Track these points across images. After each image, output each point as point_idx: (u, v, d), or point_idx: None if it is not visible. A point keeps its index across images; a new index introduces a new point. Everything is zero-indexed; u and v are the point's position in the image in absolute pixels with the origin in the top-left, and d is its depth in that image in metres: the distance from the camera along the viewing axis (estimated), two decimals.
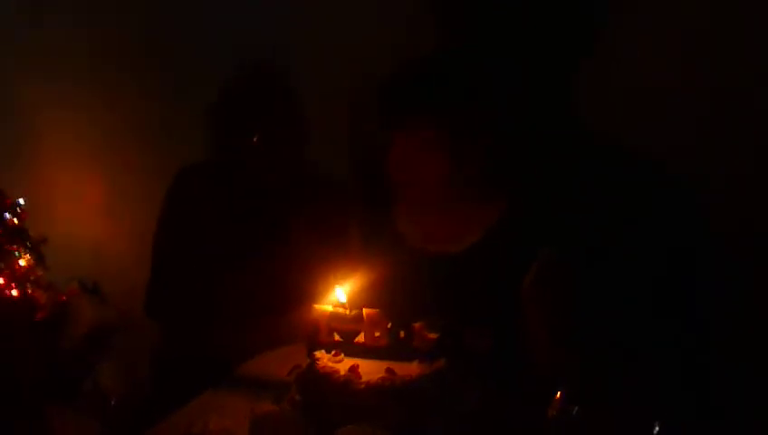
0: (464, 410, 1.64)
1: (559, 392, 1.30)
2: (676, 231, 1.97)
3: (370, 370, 1.64)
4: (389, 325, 1.72)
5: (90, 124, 2.83)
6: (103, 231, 2.89)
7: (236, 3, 2.64)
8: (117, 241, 2.87)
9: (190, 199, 2.35)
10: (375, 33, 2.44)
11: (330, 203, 2.34)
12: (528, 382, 1.79)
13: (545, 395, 1.65)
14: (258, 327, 2.19)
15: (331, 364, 1.66)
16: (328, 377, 1.63)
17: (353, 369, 1.63)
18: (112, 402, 2.22)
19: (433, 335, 1.71)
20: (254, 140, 2.25)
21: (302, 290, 2.02)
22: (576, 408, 1.23)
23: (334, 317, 1.75)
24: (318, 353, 1.70)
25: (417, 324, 1.71)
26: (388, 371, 1.63)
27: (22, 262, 2.26)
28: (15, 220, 2.27)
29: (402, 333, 1.72)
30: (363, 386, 1.60)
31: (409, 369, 1.64)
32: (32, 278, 2.27)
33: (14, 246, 2.27)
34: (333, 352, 1.70)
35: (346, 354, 1.70)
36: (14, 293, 2.22)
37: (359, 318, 1.73)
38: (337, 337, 1.74)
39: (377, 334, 1.71)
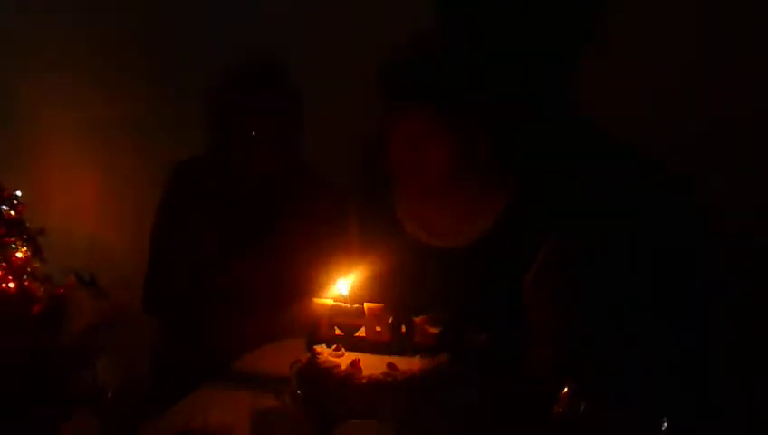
0: (463, 404, 1.64)
1: (566, 389, 1.29)
2: (678, 226, 1.97)
3: (372, 364, 1.64)
4: (391, 320, 1.71)
5: (87, 118, 2.81)
6: (100, 224, 2.88)
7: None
8: (114, 234, 2.86)
9: (188, 193, 2.34)
10: (375, 25, 2.43)
11: (329, 196, 2.33)
12: (527, 377, 1.79)
13: (544, 390, 1.66)
14: (257, 322, 2.18)
15: (331, 359, 1.66)
16: (329, 372, 1.62)
17: (354, 364, 1.63)
18: (109, 395, 2.21)
19: (434, 330, 1.70)
20: (252, 133, 2.24)
21: (302, 284, 2.01)
22: (583, 404, 1.22)
23: (335, 311, 1.74)
24: (318, 348, 1.69)
25: (418, 319, 1.71)
26: (390, 365, 1.62)
27: (19, 254, 2.25)
28: (13, 212, 2.26)
29: (404, 328, 1.71)
30: (365, 381, 1.59)
31: (411, 364, 1.64)
32: (29, 270, 2.26)
33: (12, 239, 2.25)
34: (334, 347, 1.69)
35: (347, 349, 1.69)
36: (11, 285, 2.20)
37: (360, 312, 1.72)
38: (338, 331, 1.73)
39: (378, 329, 1.71)
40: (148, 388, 2.26)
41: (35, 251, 2.28)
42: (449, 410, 1.61)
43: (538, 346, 1.86)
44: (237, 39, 2.42)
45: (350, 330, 1.73)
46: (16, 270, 2.23)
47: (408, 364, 1.63)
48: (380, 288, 1.82)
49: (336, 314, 1.74)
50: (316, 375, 1.64)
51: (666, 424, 1.14)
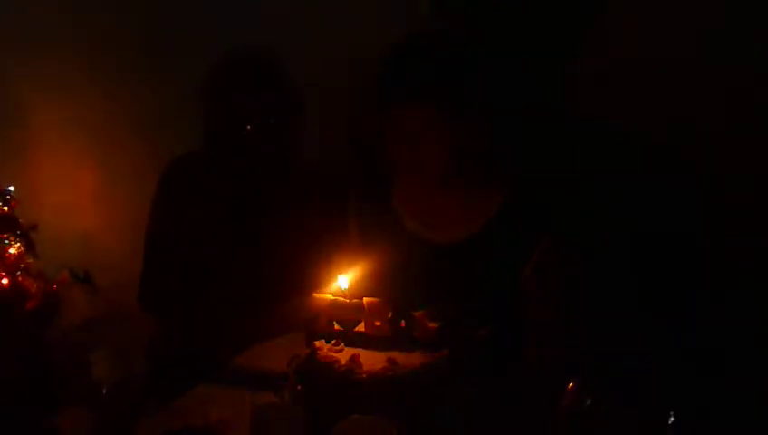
0: (464, 399, 1.63)
1: (571, 384, 1.28)
2: (678, 223, 1.97)
3: (372, 359, 1.63)
4: (390, 315, 1.70)
5: (81, 112, 2.79)
6: (94, 220, 2.86)
7: None
8: (108, 230, 2.84)
9: (183, 188, 2.32)
10: (373, 21, 2.43)
11: (327, 191, 2.31)
12: (526, 373, 1.79)
13: (543, 385, 1.66)
14: (256, 317, 2.17)
15: (331, 354, 1.64)
16: (329, 367, 1.61)
17: (354, 359, 1.62)
18: (104, 392, 2.20)
19: (434, 325, 1.70)
20: (248, 128, 2.22)
21: (300, 279, 2.01)
22: (589, 399, 1.22)
23: (334, 306, 1.73)
24: (317, 343, 1.68)
25: (418, 314, 1.70)
26: (390, 360, 1.61)
27: (12, 250, 2.23)
28: (5, 208, 2.24)
29: (403, 323, 1.70)
30: (365, 376, 1.58)
31: (411, 359, 1.63)
32: (22, 266, 2.24)
33: (4, 235, 2.23)
34: (333, 342, 1.68)
35: (346, 344, 1.68)
36: (5, 281, 2.19)
37: (359, 307, 1.71)
38: (337, 326, 1.72)
39: (377, 324, 1.70)
40: (145, 385, 2.25)
41: (28, 247, 2.26)
42: (450, 405, 1.61)
43: (537, 344, 1.86)
44: (237, 35, 2.40)
45: (349, 325, 1.72)
46: (9, 266, 2.21)
47: (408, 359, 1.62)
48: (379, 283, 1.82)
49: (335, 309, 1.73)
50: (316, 371, 1.62)
51: (672, 419, 1.13)
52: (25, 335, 2.14)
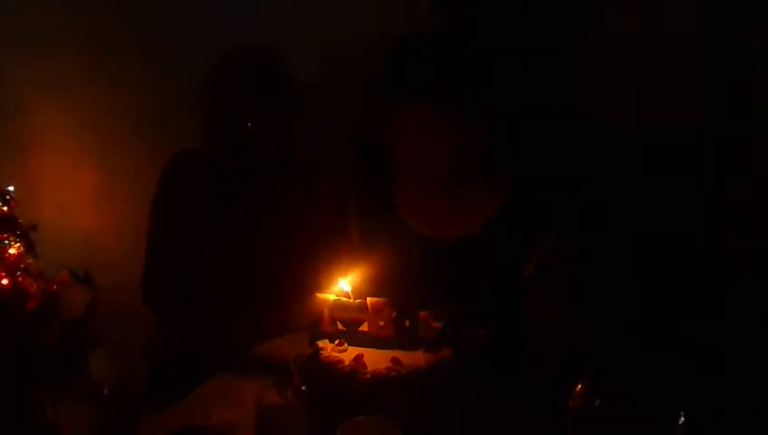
0: (467, 399, 1.63)
1: (580, 385, 1.28)
2: (677, 221, 1.97)
3: (375, 359, 1.63)
4: (394, 314, 1.70)
5: (81, 112, 2.78)
6: (94, 220, 2.85)
7: None
8: (108, 230, 2.83)
9: (183, 184, 2.32)
10: (373, 21, 2.43)
11: (327, 190, 2.31)
12: (529, 373, 1.79)
13: (545, 384, 1.66)
14: (256, 316, 2.17)
15: (335, 354, 1.65)
16: (332, 367, 1.61)
17: (358, 359, 1.62)
18: (105, 392, 2.19)
19: (438, 324, 1.70)
20: (248, 127, 2.22)
21: (300, 278, 2.01)
22: (598, 400, 1.22)
23: (337, 306, 1.73)
24: (321, 343, 1.68)
25: (422, 313, 1.70)
26: (394, 360, 1.62)
27: (12, 250, 2.22)
28: (5, 208, 2.23)
29: (407, 323, 1.70)
30: (369, 376, 1.58)
31: (415, 358, 1.63)
32: (22, 267, 2.23)
33: (4, 235, 2.22)
34: (337, 342, 1.69)
35: (350, 344, 1.68)
36: (5, 282, 2.18)
37: (362, 307, 1.71)
38: (340, 326, 1.72)
39: (381, 323, 1.70)
40: (145, 385, 2.25)
41: (28, 247, 2.25)
42: (453, 404, 1.61)
43: (537, 344, 1.86)
44: (237, 35, 2.39)
45: (352, 325, 1.72)
46: (9, 266, 2.20)
47: (412, 359, 1.63)
48: (381, 283, 1.82)
49: (338, 309, 1.73)
50: (319, 371, 1.62)
51: (683, 419, 1.13)
52: (25, 335, 2.13)
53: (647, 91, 2.18)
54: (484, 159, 1.99)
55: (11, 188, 2.24)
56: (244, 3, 2.60)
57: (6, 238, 2.22)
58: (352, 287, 1.75)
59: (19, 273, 2.20)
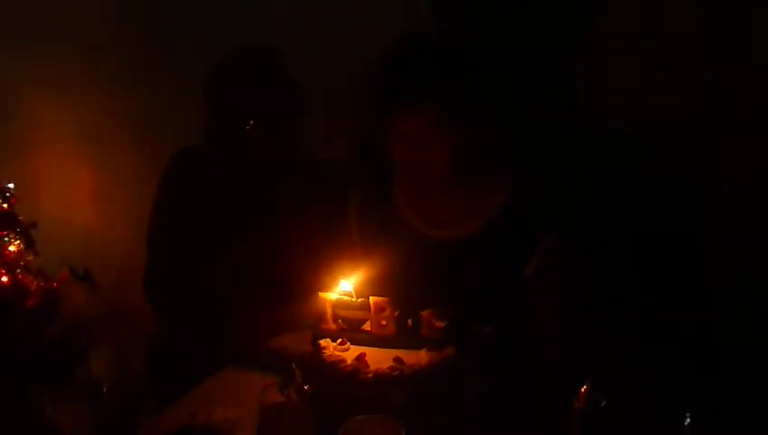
0: (470, 398, 1.63)
1: (586, 385, 1.28)
2: (677, 221, 1.98)
3: (378, 358, 1.63)
4: (397, 313, 1.70)
5: (81, 109, 2.78)
6: (94, 217, 2.85)
7: None
8: (108, 227, 2.83)
9: (185, 181, 2.32)
10: (373, 21, 2.43)
11: (328, 190, 2.31)
12: (529, 370, 1.80)
13: (546, 383, 1.66)
14: (256, 316, 2.17)
15: (337, 353, 1.65)
16: (335, 366, 1.61)
17: (360, 358, 1.62)
18: (105, 390, 2.19)
19: (441, 324, 1.70)
20: (248, 127, 2.22)
21: (304, 276, 2.01)
22: (604, 401, 1.22)
23: (340, 305, 1.73)
24: (323, 342, 1.68)
25: (425, 313, 1.70)
26: (397, 359, 1.62)
27: (12, 247, 2.22)
28: (5, 205, 2.23)
29: (410, 322, 1.71)
30: (371, 375, 1.59)
31: (418, 357, 1.63)
32: (21, 264, 2.23)
33: (4, 232, 2.22)
34: (339, 341, 1.69)
35: (352, 343, 1.69)
36: (5, 279, 2.18)
37: (365, 306, 1.71)
38: (343, 325, 1.73)
39: (383, 322, 1.70)
40: (145, 383, 2.25)
41: (28, 244, 2.25)
42: (456, 403, 1.61)
43: (538, 344, 1.87)
44: (237, 35, 2.39)
45: (355, 324, 1.73)
46: (9, 264, 2.20)
47: (414, 358, 1.63)
48: (383, 281, 1.82)
49: (341, 308, 1.73)
50: (322, 370, 1.63)
51: (689, 420, 1.13)
52: (25, 333, 2.13)
53: (647, 91, 2.18)
54: (485, 159, 1.99)
55: (11, 186, 2.24)
56: (244, 3, 2.60)
57: (6, 235, 2.22)
58: (355, 286, 1.75)
59: (19, 270, 2.20)
